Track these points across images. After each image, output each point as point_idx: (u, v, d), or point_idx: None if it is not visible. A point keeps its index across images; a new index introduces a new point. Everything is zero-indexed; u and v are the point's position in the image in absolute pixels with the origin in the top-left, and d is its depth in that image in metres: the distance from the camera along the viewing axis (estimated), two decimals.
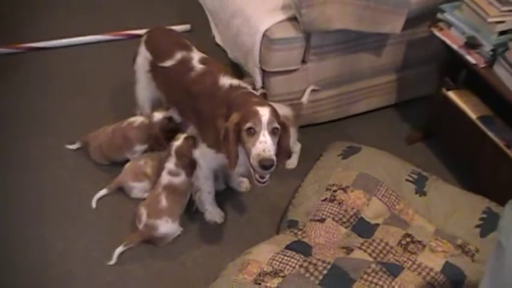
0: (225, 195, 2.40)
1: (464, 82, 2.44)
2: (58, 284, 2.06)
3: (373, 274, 1.85)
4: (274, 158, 1.77)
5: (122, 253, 2.12)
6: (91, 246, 2.18)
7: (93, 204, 2.31)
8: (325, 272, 1.85)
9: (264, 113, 1.79)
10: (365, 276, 1.84)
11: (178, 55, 2.19)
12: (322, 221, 2.12)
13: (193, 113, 2.14)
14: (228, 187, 2.44)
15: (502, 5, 2.07)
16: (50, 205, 2.33)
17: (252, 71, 2.53)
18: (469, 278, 1.91)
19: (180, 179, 2.20)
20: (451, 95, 2.43)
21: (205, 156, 2.10)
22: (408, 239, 2.05)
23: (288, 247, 1.98)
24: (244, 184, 2.43)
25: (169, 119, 2.39)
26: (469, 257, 2.02)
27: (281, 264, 1.89)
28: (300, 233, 2.08)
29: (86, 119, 2.72)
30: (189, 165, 2.18)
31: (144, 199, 2.25)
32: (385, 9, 2.33)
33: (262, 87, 2.53)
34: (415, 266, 1.93)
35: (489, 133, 2.25)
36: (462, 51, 2.22)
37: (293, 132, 2.33)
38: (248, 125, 1.78)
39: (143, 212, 2.15)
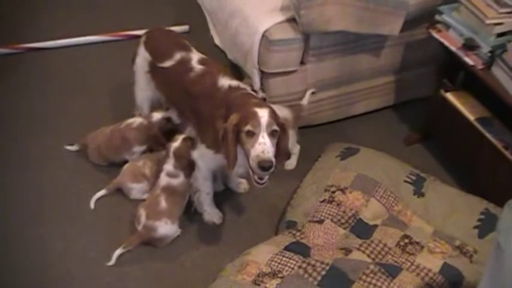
0: (224, 196, 2.40)
1: (463, 84, 2.45)
2: (57, 285, 2.06)
3: (371, 275, 1.85)
4: (273, 159, 1.77)
5: (120, 254, 2.11)
6: (90, 246, 2.18)
7: (92, 205, 2.30)
8: (323, 273, 1.85)
9: (263, 114, 1.79)
10: (363, 277, 1.85)
11: (178, 56, 2.19)
12: (320, 222, 2.12)
13: (192, 113, 2.14)
14: (226, 188, 2.44)
15: (500, 6, 2.07)
16: (49, 206, 2.33)
17: (250, 72, 2.53)
18: (467, 279, 1.92)
19: (179, 180, 2.20)
20: (449, 96, 2.43)
21: (204, 157, 2.10)
22: (406, 240, 2.05)
23: (286, 248, 1.98)
24: (242, 185, 2.43)
25: (168, 119, 2.39)
26: (467, 258, 2.02)
27: (280, 265, 1.89)
28: (298, 234, 2.08)
29: (85, 119, 2.72)
30: (188, 167, 2.17)
31: (143, 200, 2.25)
32: (384, 11, 2.34)
33: (262, 89, 2.53)
34: (413, 267, 1.94)
35: (487, 135, 2.25)
36: (460, 53, 2.22)
37: (292, 134, 2.33)
38: (247, 126, 1.79)
39: (142, 213, 2.15)
